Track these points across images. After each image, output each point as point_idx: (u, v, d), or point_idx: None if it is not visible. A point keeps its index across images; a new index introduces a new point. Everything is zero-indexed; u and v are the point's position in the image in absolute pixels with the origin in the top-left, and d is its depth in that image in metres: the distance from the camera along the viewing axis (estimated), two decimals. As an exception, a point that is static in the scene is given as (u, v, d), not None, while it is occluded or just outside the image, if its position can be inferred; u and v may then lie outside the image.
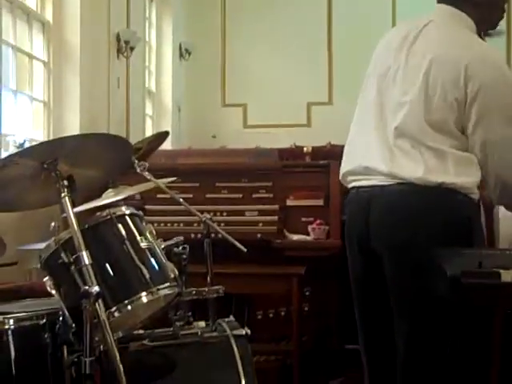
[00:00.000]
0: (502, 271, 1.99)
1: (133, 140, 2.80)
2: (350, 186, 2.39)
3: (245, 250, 2.65)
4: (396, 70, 2.29)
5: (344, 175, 2.41)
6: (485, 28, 2.37)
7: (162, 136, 3.17)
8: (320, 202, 4.15)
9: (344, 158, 2.43)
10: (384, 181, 2.23)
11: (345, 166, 2.41)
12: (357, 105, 2.44)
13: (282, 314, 4.07)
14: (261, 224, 4.09)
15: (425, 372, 2.22)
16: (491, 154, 2.19)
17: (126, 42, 6.84)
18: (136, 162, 2.61)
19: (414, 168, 2.18)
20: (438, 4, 2.36)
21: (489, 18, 2.37)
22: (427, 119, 2.18)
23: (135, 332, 2.31)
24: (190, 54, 9.23)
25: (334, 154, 3.96)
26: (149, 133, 7.73)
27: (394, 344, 2.26)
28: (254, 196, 4.21)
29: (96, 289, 1.76)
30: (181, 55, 9.16)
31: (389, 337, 2.27)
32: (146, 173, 2.65)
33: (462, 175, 2.18)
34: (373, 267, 2.29)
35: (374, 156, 2.26)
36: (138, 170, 2.62)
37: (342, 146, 2.48)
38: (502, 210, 2.55)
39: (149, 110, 8.29)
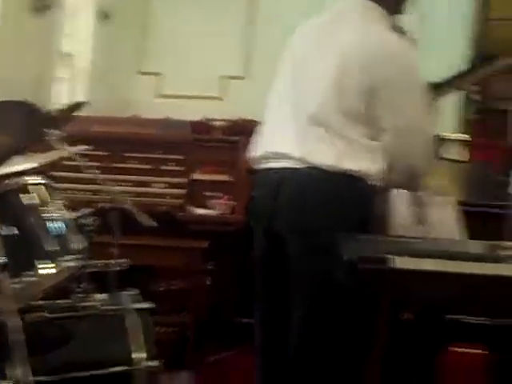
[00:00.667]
0: (396, 257, 2.06)
1: (46, 106, 2.73)
2: (260, 167, 2.42)
3: (154, 224, 2.65)
4: (310, 58, 2.33)
5: (255, 159, 2.44)
6: (397, 9, 2.42)
7: (77, 105, 3.11)
8: (227, 178, 4.18)
9: (256, 144, 2.45)
10: (295, 164, 2.27)
11: (257, 152, 2.44)
12: (271, 89, 2.47)
13: (184, 286, 4.09)
14: (168, 197, 4.09)
15: (317, 355, 2.28)
16: (400, 139, 2.27)
17: (41, 1, 6.61)
18: (47, 129, 2.55)
19: (326, 155, 2.23)
20: None
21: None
22: (339, 107, 2.24)
23: (35, 303, 2.28)
24: (110, 16, 8.98)
25: (246, 129, 3.97)
26: (64, 99, 7.50)
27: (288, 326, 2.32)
28: (162, 168, 4.19)
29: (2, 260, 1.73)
30: (100, 17, 8.90)
31: (284, 319, 2.33)
32: (57, 140, 2.60)
33: (369, 162, 2.25)
34: (276, 249, 2.33)
35: (286, 142, 2.30)
36: (48, 138, 2.56)
37: (255, 122, 2.50)
38: (399, 197, 2.64)
39: (64, 75, 8.04)
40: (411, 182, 2.39)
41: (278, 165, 2.32)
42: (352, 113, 2.24)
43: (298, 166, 2.27)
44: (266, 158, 2.37)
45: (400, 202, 2.64)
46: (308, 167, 2.25)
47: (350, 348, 2.26)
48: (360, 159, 2.24)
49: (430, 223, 2.57)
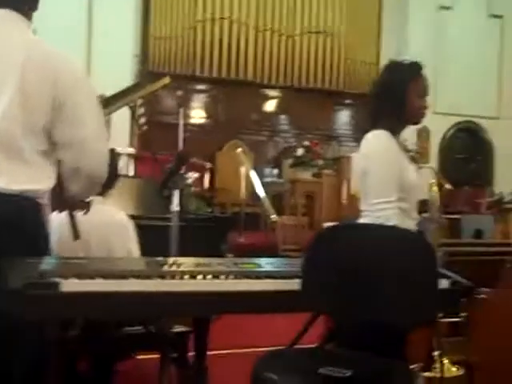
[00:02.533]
0: (62, 280, 1.97)
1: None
2: None
3: None
4: None
5: None
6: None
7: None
8: None
9: None
10: None
11: None
12: None
13: None
14: None
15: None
16: (79, 151, 2.19)
17: None
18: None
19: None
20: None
21: None
22: (21, 123, 2.09)
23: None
24: None
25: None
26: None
27: None
28: None
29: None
30: None
31: None
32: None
33: (40, 181, 2.15)
34: None
35: None
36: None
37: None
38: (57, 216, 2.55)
39: None
40: (91, 190, 2.35)
41: None
42: (31, 128, 2.11)
43: None
44: None
45: (58, 221, 2.56)
46: None
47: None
48: (33, 178, 2.11)
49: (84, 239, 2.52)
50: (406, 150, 2.65)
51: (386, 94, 2.63)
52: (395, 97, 2.61)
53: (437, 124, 11.11)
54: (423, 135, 11.05)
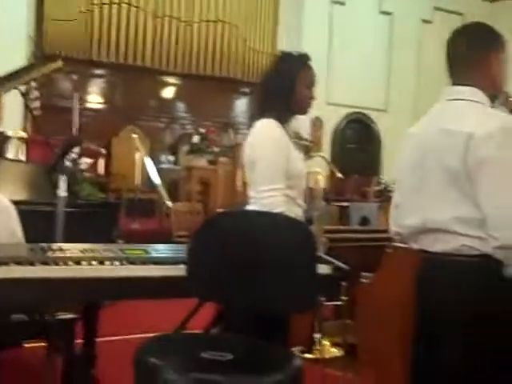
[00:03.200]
0: None
1: None
2: None
3: None
4: None
5: None
6: None
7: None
8: None
9: None
10: None
11: None
12: None
13: None
14: None
15: None
16: None
17: None
18: None
19: None
20: None
21: None
22: None
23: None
24: None
25: None
26: None
27: None
28: None
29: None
30: None
31: None
32: None
33: None
34: None
35: None
36: None
37: None
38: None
39: None
40: None
41: None
42: None
43: None
44: None
45: None
46: None
47: None
48: None
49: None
50: (300, 139, 2.69)
51: (275, 84, 2.65)
52: (284, 86, 2.63)
53: (329, 115, 11.37)
54: (316, 125, 11.27)
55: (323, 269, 2.24)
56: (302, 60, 2.71)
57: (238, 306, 2.17)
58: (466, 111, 2.00)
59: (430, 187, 2.02)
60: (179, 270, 2.16)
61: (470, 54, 2.08)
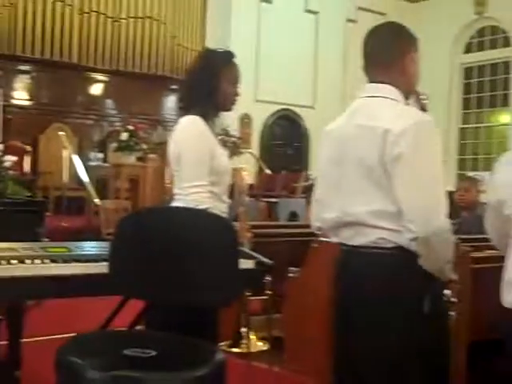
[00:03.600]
0: None
1: None
2: None
3: None
4: None
5: None
6: None
7: None
8: None
9: None
10: None
11: None
12: None
13: None
14: None
15: None
16: None
17: None
18: None
19: None
20: None
21: None
22: None
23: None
24: None
25: None
26: None
27: None
28: None
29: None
30: None
31: None
32: None
33: None
34: None
35: None
36: None
37: None
38: None
39: None
40: None
41: None
42: None
43: None
44: None
45: None
46: None
47: None
48: None
49: None
50: (227, 136, 2.68)
51: (200, 81, 2.64)
52: (208, 83, 2.62)
53: (258, 111, 11.41)
54: (245, 122, 11.30)
55: (246, 263, 2.25)
56: (227, 57, 2.71)
57: (161, 301, 2.15)
58: (382, 108, 2.04)
59: (348, 182, 2.05)
60: (102, 268, 2.13)
61: (384, 53, 2.12)
